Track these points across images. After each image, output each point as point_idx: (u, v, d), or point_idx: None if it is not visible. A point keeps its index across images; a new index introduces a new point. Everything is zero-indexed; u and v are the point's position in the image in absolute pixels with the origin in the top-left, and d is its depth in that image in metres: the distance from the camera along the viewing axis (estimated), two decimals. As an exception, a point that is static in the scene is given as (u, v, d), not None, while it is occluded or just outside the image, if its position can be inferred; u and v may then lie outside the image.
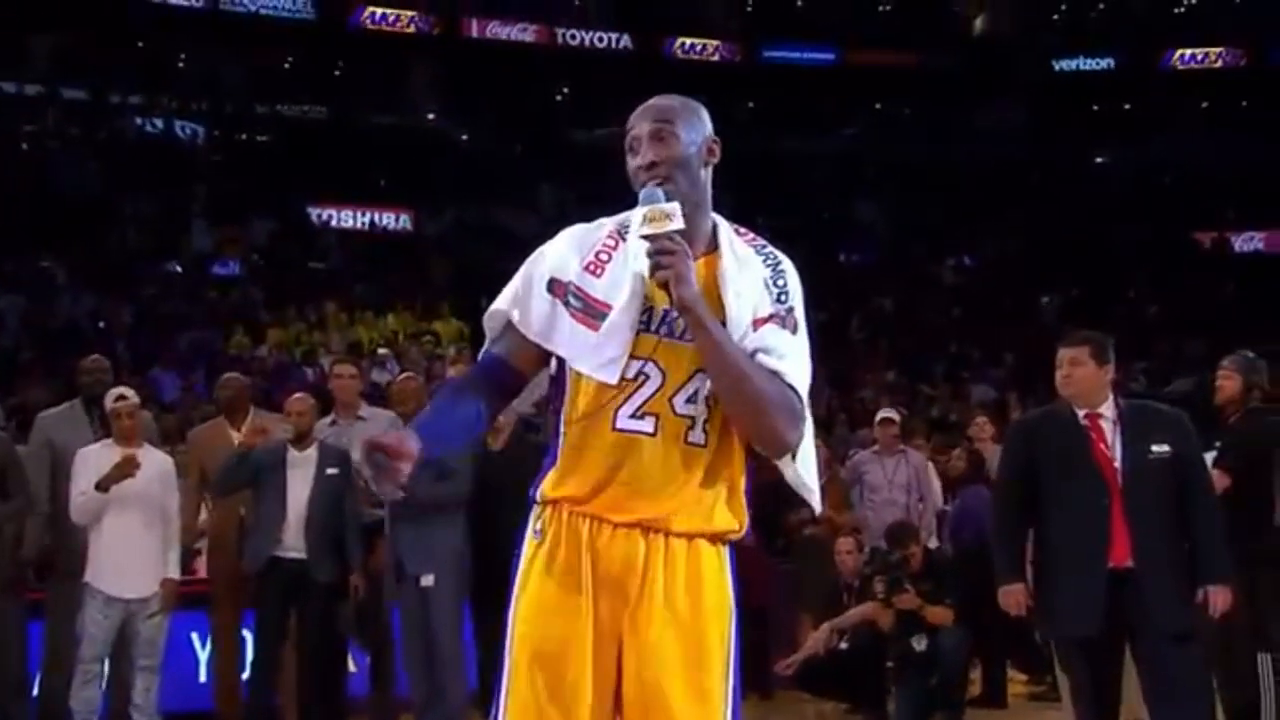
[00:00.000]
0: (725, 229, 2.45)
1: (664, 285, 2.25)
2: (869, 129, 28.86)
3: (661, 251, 2.25)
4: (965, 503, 7.58)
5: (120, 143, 23.44)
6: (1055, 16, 29.43)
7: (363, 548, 6.09)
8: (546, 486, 2.40)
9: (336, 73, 27.34)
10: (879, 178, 26.97)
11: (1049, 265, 23.06)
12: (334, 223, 23.20)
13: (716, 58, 27.87)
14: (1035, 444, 4.58)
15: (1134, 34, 28.05)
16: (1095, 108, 29.35)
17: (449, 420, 2.38)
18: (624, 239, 2.41)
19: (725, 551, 2.40)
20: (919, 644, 6.42)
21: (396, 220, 23.81)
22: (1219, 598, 4.32)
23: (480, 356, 2.50)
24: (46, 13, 23.43)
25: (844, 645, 6.70)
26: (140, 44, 25.07)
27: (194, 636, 6.77)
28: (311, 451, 6.07)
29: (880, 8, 29.12)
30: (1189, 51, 28.11)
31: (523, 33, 25.62)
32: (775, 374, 2.32)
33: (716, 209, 2.47)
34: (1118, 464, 4.36)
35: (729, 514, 2.39)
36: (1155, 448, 4.36)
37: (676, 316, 2.31)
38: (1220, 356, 5.90)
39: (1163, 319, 20.32)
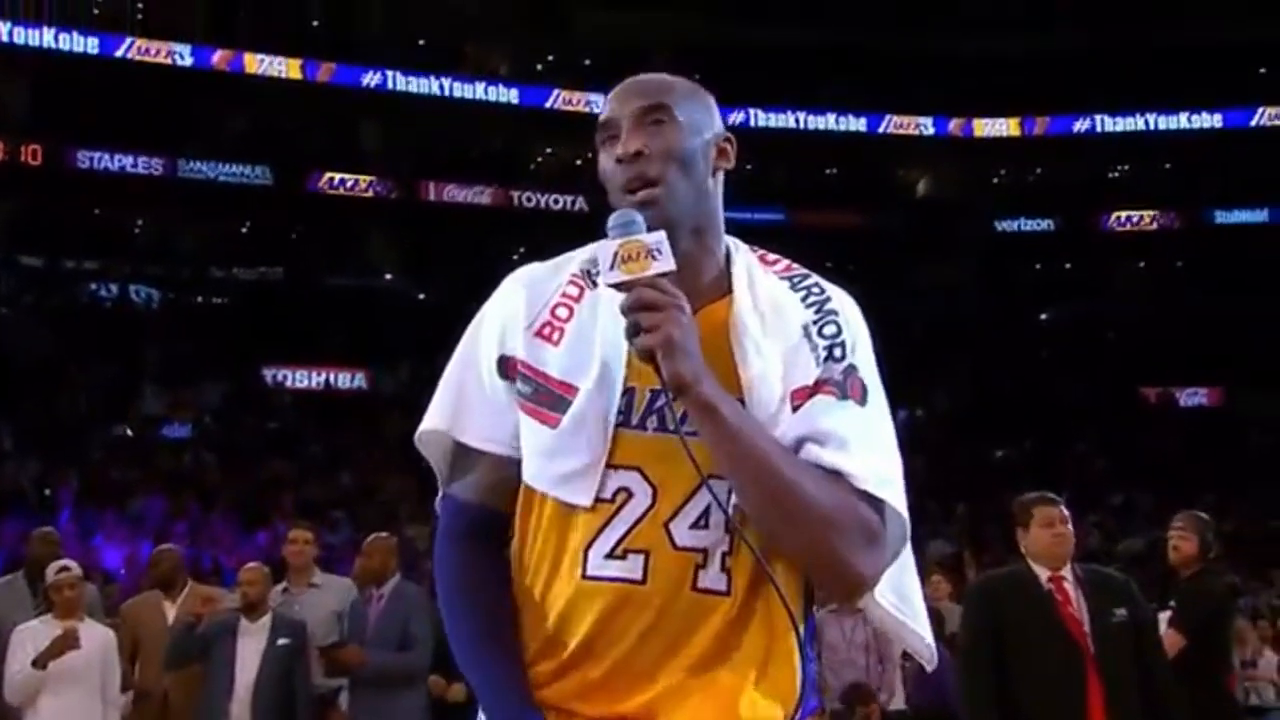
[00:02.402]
0: (744, 258, 1.69)
1: (647, 356, 1.49)
2: (818, 286, 29.43)
3: (642, 306, 1.50)
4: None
5: (73, 308, 23.48)
6: (995, 180, 30.40)
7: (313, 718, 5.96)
8: (541, 680, 1.62)
9: (294, 235, 27.65)
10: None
11: (999, 419, 23.38)
12: (288, 383, 23.17)
13: (668, 219, 28.48)
14: (1000, 606, 4.54)
15: (1072, 197, 28.99)
16: (1037, 266, 30.13)
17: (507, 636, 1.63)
18: (593, 283, 1.64)
19: None
20: None
21: (351, 379, 23.82)
22: None
23: (443, 505, 1.73)
24: (4, 181, 23.66)
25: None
26: (96, 210, 25.29)
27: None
28: (265, 620, 5.96)
29: (826, 170, 30.00)
30: (1125, 214, 29.01)
31: (479, 195, 26.11)
32: (836, 475, 1.56)
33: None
34: (1086, 627, 4.37)
35: (769, 698, 1.58)
36: (1116, 611, 4.39)
37: (671, 400, 1.54)
38: (1168, 509, 6.00)
39: (1112, 472, 20.57)
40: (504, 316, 1.66)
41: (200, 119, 25.27)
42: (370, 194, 26.59)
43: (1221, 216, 28.24)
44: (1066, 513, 4.52)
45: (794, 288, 1.67)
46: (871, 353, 1.66)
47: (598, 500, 1.57)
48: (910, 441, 22.56)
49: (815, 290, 1.67)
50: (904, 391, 25.23)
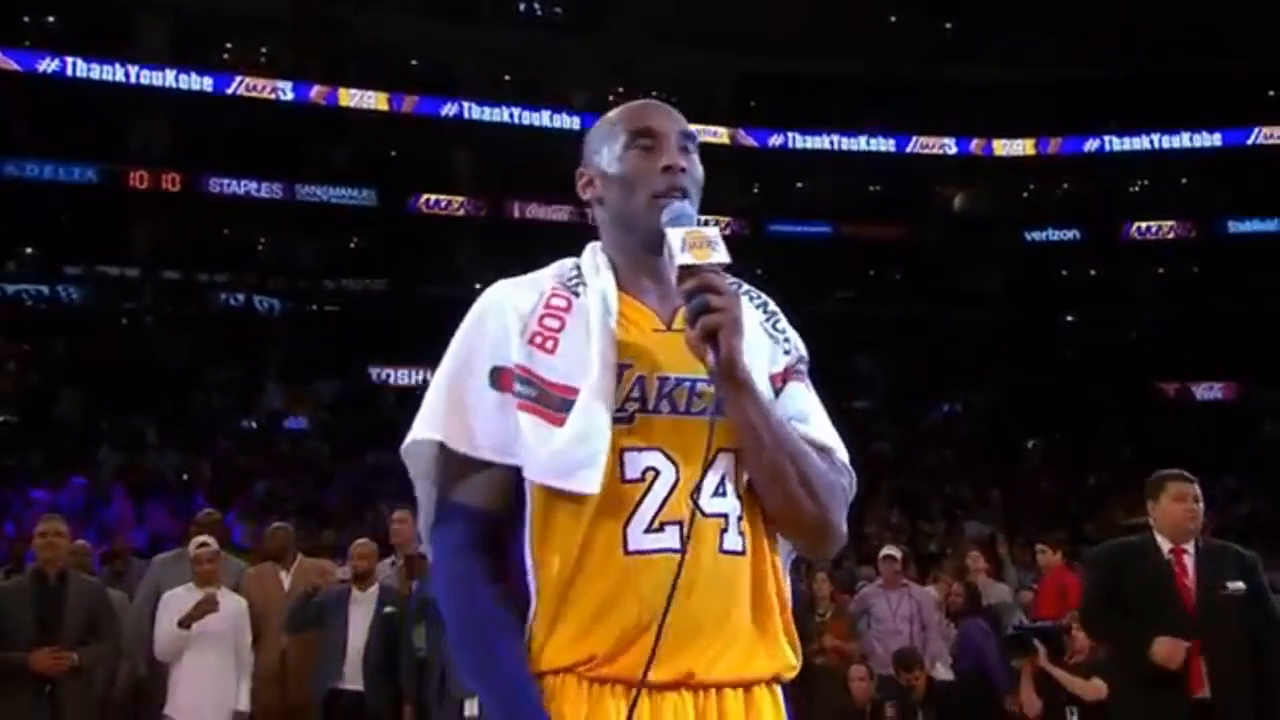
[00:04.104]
0: None
1: (709, 337, 1.48)
2: (864, 292, 29.20)
3: (710, 289, 1.49)
4: (964, 633, 7.44)
5: (206, 316, 23.94)
6: (1025, 194, 29.99)
7: (415, 680, 5.99)
8: (540, 650, 1.55)
9: (395, 250, 27.99)
10: (875, 334, 27.18)
11: (1029, 413, 23.01)
12: (391, 381, 23.43)
13: (729, 232, 28.42)
14: (1119, 574, 4.38)
15: (1096, 209, 28.52)
16: (1064, 273, 29.65)
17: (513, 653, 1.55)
18: (575, 294, 1.64)
19: (780, 695, 1.63)
20: None
21: (446, 379, 24.03)
22: None
23: (440, 514, 1.63)
24: (146, 205, 24.21)
25: (858, 768, 6.50)
26: (226, 230, 25.80)
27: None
28: (373, 591, 6.02)
29: (870, 188, 29.75)
30: (1145, 224, 28.49)
31: (557, 213, 26.25)
32: (824, 449, 1.63)
33: None
34: (1197, 597, 4.23)
35: (784, 643, 1.62)
36: (1230, 584, 4.22)
37: (677, 386, 1.56)
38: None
39: (1135, 460, 20.15)
40: (493, 330, 1.62)
41: (312, 148, 25.66)
42: (462, 213, 26.85)
43: (1234, 226, 27.66)
44: (1199, 490, 4.34)
45: (745, 296, 1.69)
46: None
47: (627, 482, 1.54)
48: (948, 433, 22.45)
49: (757, 297, 1.73)
50: (942, 388, 24.96)
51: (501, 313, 1.62)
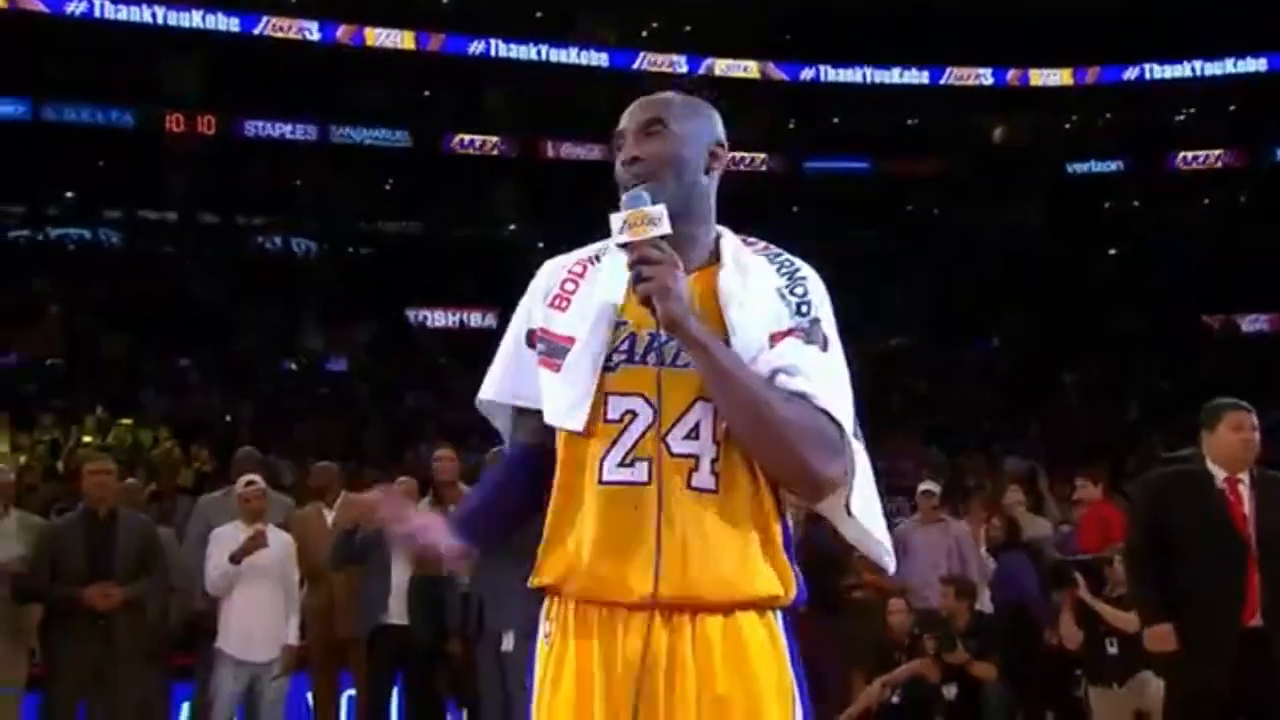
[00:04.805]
0: (731, 240, 1.88)
1: (647, 301, 1.70)
2: (902, 227, 28.89)
3: (643, 260, 1.70)
4: (1004, 567, 7.45)
5: (244, 258, 24.10)
6: (1067, 125, 29.41)
7: (460, 613, 6.08)
8: (540, 565, 1.82)
9: (430, 192, 27.98)
10: (912, 270, 26.93)
11: (1068, 347, 22.78)
12: (428, 323, 23.55)
13: (764, 168, 28.15)
14: (1169, 503, 4.32)
15: (1140, 139, 27.96)
16: (1106, 205, 29.15)
17: (493, 513, 1.91)
18: (595, 263, 1.88)
19: (777, 621, 1.77)
20: (949, 692, 6.31)
21: (482, 318, 24.13)
22: None
23: (505, 451, 2.00)
24: (182, 148, 24.31)
25: (895, 699, 6.56)
26: (262, 173, 25.87)
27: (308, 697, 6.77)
28: (414, 528, 6.09)
29: (909, 121, 29.29)
30: (1191, 154, 27.90)
31: (589, 152, 26.06)
32: (801, 396, 1.73)
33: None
34: (1252, 526, 4.18)
35: (768, 572, 1.75)
36: None
37: (667, 340, 1.74)
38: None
39: (1176, 394, 19.93)
40: (531, 300, 1.91)
41: (345, 89, 25.58)
42: (495, 153, 26.72)
43: (1282, 154, 27.08)
44: (1256, 420, 4.27)
45: (770, 261, 1.86)
46: (832, 316, 1.83)
47: (607, 422, 1.76)
48: (987, 368, 22.27)
49: (787, 263, 1.86)
50: (981, 322, 24.74)
51: (538, 286, 1.91)
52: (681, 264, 1.72)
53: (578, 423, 1.77)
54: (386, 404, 17.95)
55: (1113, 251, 28.60)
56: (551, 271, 1.91)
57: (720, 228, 1.90)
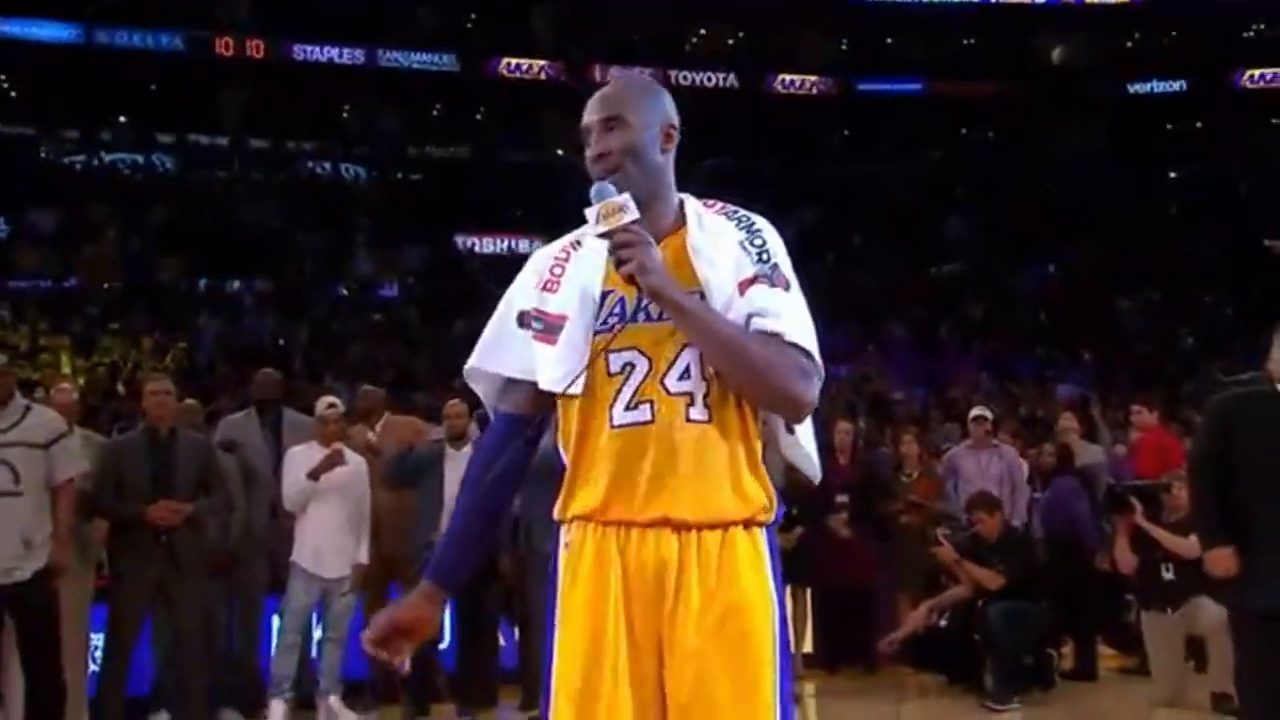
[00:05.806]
0: (692, 205, 2.14)
1: (630, 279, 1.96)
2: (955, 152, 28.32)
3: (621, 245, 1.97)
4: (1055, 493, 7.40)
5: (294, 184, 24.22)
6: (1129, 44, 28.50)
7: (511, 534, 6.16)
8: (564, 505, 2.08)
9: (478, 117, 27.82)
10: (965, 196, 26.44)
11: (1126, 273, 22.34)
12: (477, 249, 23.59)
13: (815, 91, 27.64)
14: (1238, 424, 4.21)
15: (1204, 57, 27.03)
16: (1169, 126, 28.34)
17: (478, 534, 2.15)
18: (576, 248, 2.15)
19: (761, 537, 2.05)
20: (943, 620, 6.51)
21: (531, 245, 24.10)
22: None
23: (492, 419, 2.22)
24: (233, 73, 24.34)
25: (942, 623, 6.59)
26: (312, 97, 25.86)
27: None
28: (466, 450, 6.15)
29: (964, 41, 28.54)
30: (1258, 72, 26.95)
31: (640, 74, 25.82)
32: (774, 335, 1.99)
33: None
34: None
35: (756, 488, 2.04)
36: None
37: (648, 304, 2.02)
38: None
39: (1238, 320, 19.52)
40: (522, 285, 2.17)
41: (392, 13, 25.38)
42: (543, 76, 26.46)
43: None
44: None
45: (729, 218, 2.11)
46: (788, 258, 2.08)
47: (611, 375, 2.02)
48: (1042, 296, 21.82)
49: (744, 219, 2.12)
50: (1038, 249, 24.29)
51: (528, 271, 2.18)
52: (654, 241, 1.99)
53: (577, 388, 2.02)
54: (436, 329, 18.07)
55: (1174, 175, 27.88)
56: (540, 259, 2.18)
57: (682, 194, 2.15)
